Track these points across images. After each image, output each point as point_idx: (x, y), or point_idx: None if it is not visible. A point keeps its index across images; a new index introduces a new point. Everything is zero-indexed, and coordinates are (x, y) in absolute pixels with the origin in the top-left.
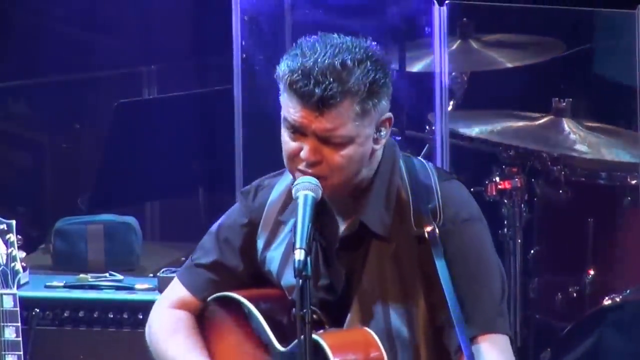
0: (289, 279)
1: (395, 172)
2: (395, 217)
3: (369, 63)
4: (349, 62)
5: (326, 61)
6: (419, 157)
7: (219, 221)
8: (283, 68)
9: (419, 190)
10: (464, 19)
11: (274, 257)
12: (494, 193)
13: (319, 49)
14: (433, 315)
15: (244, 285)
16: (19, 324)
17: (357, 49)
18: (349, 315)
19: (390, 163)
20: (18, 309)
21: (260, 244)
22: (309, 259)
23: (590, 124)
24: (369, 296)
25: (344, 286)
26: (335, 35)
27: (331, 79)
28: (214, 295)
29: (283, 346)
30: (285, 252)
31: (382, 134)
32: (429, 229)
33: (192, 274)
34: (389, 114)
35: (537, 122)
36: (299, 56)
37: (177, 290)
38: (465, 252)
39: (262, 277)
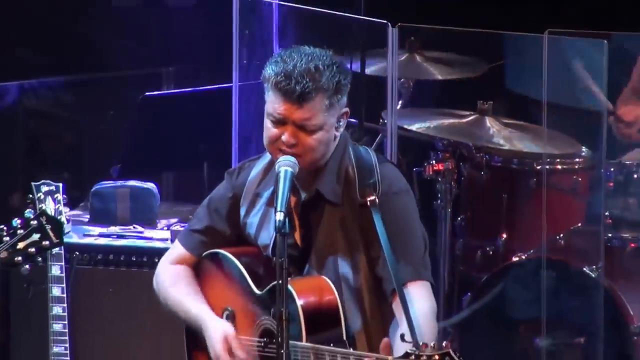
0: (263, 239)
1: (345, 155)
2: (344, 188)
3: (334, 67)
4: (320, 66)
5: (303, 65)
6: (365, 147)
7: (209, 195)
8: (268, 72)
9: (362, 169)
10: (412, 37)
11: (252, 223)
12: (431, 173)
13: (295, 57)
14: (372, 265)
15: (229, 244)
16: (63, 264)
17: (324, 57)
18: (307, 266)
19: (342, 148)
20: (62, 252)
21: (242, 212)
22: (287, 220)
23: (506, 121)
24: (322, 250)
25: (304, 243)
26: (306, 46)
27: (307, 79)
28: (206, 252)
29: (259, 290)
30: (260, 219)
31: (341, 123)
32: (370, 198)
33: (189, 237)
34: (347, 109)
35: (465, 120)
36: (281, 62)
37: (177, 250)
38: (396, 216)
39: (243, 238)
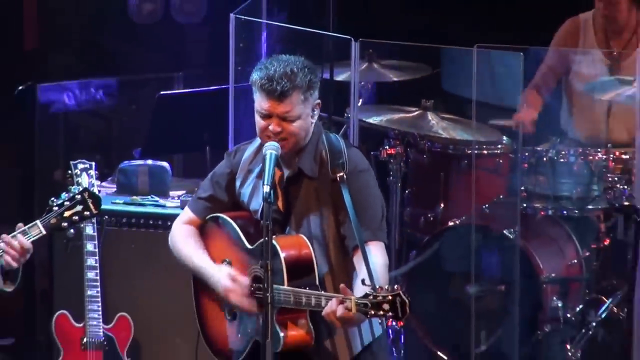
0: (254, 206)
1: (319, 141)
2: (319, 167)
3: (306, 69)
4: (295, 69)
5: (281, 70)
6: (335, 134)
7: (212, 171)
8: (254, 77)
9: (333, 152)
10: (370, 49)
11: (245, 193)
12: (385, 156)
13: (275, 63)
14: (338, 226)
15: (227, 209)
16: (95, 225)
17: (298, 62)
18: (288, 227)
19: (317, 135)
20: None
21: (237, 184)
22: (272, 191)
23: (443, 116)
24: (300, 215)
25: (285, 209)
26: (284, 55)
27: (285, 80)
28: (210, 216)
29: (250, 245)
30: (252, 190)
31: (315, 112)
32: (339, 174)
33: (196, 204)
34: (319, 101)
35: (411, 114)
36: (264, 69)
37: (187, 214)
38: (359, 189)
39: (238, 205)
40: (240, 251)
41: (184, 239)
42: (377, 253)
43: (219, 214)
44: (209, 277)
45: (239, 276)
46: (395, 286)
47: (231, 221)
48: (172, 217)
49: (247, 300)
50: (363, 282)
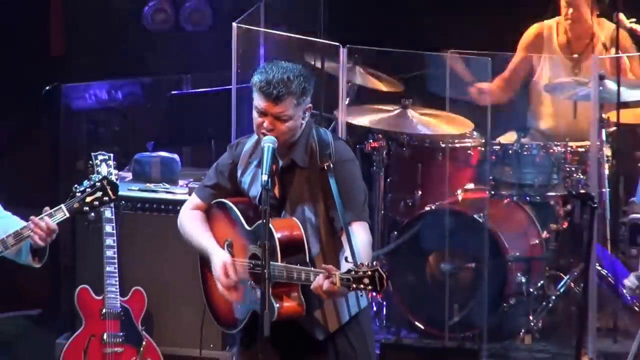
0: (253, 193)
1: (310, 135)
2: (310, 158)
3: (301, 77)
4: (291, 76)
5: (278, 76)
6: (325, 129)
7: (216, 161)
8: (255, 80)
9: (322, 144)
10: (356, 55)
11: (245, 181)
12: (369, 149)
13: (274, 69)
14: (328, 210)
15: (230, 196)
16: (113, 209)
17: (295, 70)
18: (283, 212)
19: (308, 130)
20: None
21: (238, 173)
22: (269, 180)
23: (421, 112)
24: (294, 201)
25: (281, 196)
26: (283, 61)
27: (282, 86)
28: (214, 201)
29: (249, 227)
30: (251, 179)
31: (306, 115)
32: (327, 164)
33: (202, 190)
34: (310, 105)
35: (392, 113)
36: (264, 73)
37: (194, 199)
38: (345, 177)
39: (239, 192)
40: (240, 232)
41: (191, 222)
42: (360, 232)
43: (222, 200)
44: (209, 258)
45: (231, 265)
46: (375, 262)
47: (233, 206)
48: (181, 203)
49: (229, 289)
50: (346, 259)
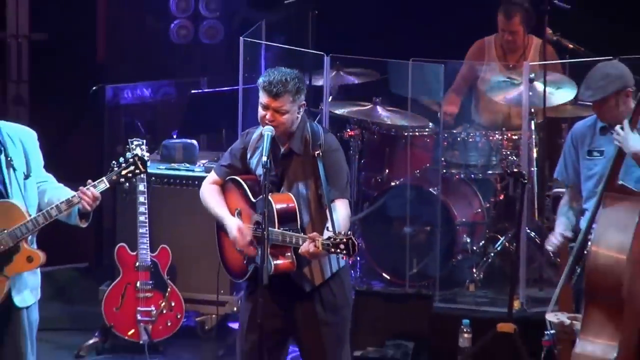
0: (258, 172)
1: (305, 128)
2: (304, 146)
3: (297, 80)
4: (288, 78)
5: (278, 78)
6: (317, 123)
7: (230, 147)
8: (260, 81)
9: (314, 136)
10: (337, 62)
11: (253, 162)
12: (347, 136)
13: (275, 73)
14: (317, 189)
15: (241, 174)
16: (145, 183)
17: (292, 74)
18: (282, 188)
19: (303, 123)
20: (145, 177)
21: (248, 156)
22: (268, 161)
23: (388, 108)
24: (290, 180)
25: (280, 176)
26: (283, 67)
27: (280, 85)
28: (228, 178)
29: (254, 199)
30: (257, 161)
31: (300, 110)
32: (317, 152)
33: (219, 169)
34: (304, 102)
35: (365, 108)
36: (267, 76)
37: (213, 176)
38: (331, 163)
39: (248, 171)
40: (247, 203)
41: (210, 195)
42: (341, 207)
43: (235, 177)
44: (225, 224)
45: (245, 229)
46: (349, 232)
47: (242, 182)
48: (199, 178)
49: (247, 247)
50: (327, 229)
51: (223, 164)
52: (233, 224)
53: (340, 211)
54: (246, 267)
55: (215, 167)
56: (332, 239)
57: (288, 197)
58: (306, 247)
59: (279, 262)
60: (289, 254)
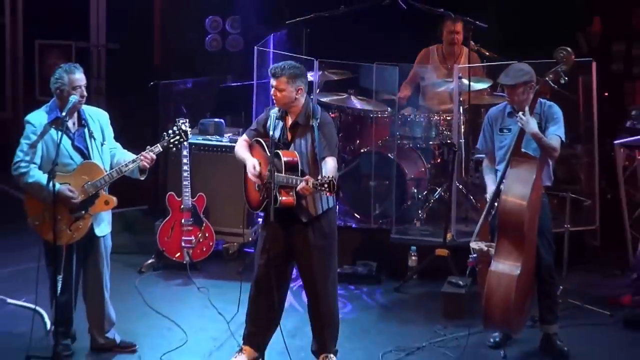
0: (272, 136)
1: (308, 107)
2: (306, 119)
3: (294, 68)
4: (286, 66)
5: (280, 66)
6: (316, 104)
7: (257, 118)
8: (270, 69)
9: (314, 112)
10: (323, 65)
11: (269, 129)
12: (333, 116)
13: (281, 62)
14: (314, 149)
15: (262, 137)
16: (187, 150)
17: (290, 64)
18: (291, 146)
19: (307, 104)
20: (187, 145)
21: (268, 124)
22: (276, 131)
23: (360, 98)
24: (296, 141)
25: (290, 139)
26: (288, 60)
27: (278, 69)
28: (254, 139)
29: (269, 154)
30: (274, 127)
31: (298, 93)
32: (315, 123)
33: (249, 132)
34: (301, 87)
35: (342, 97)
36: (273, 67)
37: (244, 137)
38: (325, 132)
39: (267, 136)
40: (264, 156)
41: (240, 148)
42: (330, 162)
43: (258, 138)
44: (246, 162)
45: (256, 164)
46: (332, 176)
47: (263, 142)
48: (226, 146)
49: (256, 177)
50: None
51: (252, 129)
52: (250, 162)
53: (330, 164)
54: (261, 202)
55: (246, 131)
56: (320, 180)
57: (293, 153)
58: (302, 185)
59: (283, 198)
60: (292, 192)
